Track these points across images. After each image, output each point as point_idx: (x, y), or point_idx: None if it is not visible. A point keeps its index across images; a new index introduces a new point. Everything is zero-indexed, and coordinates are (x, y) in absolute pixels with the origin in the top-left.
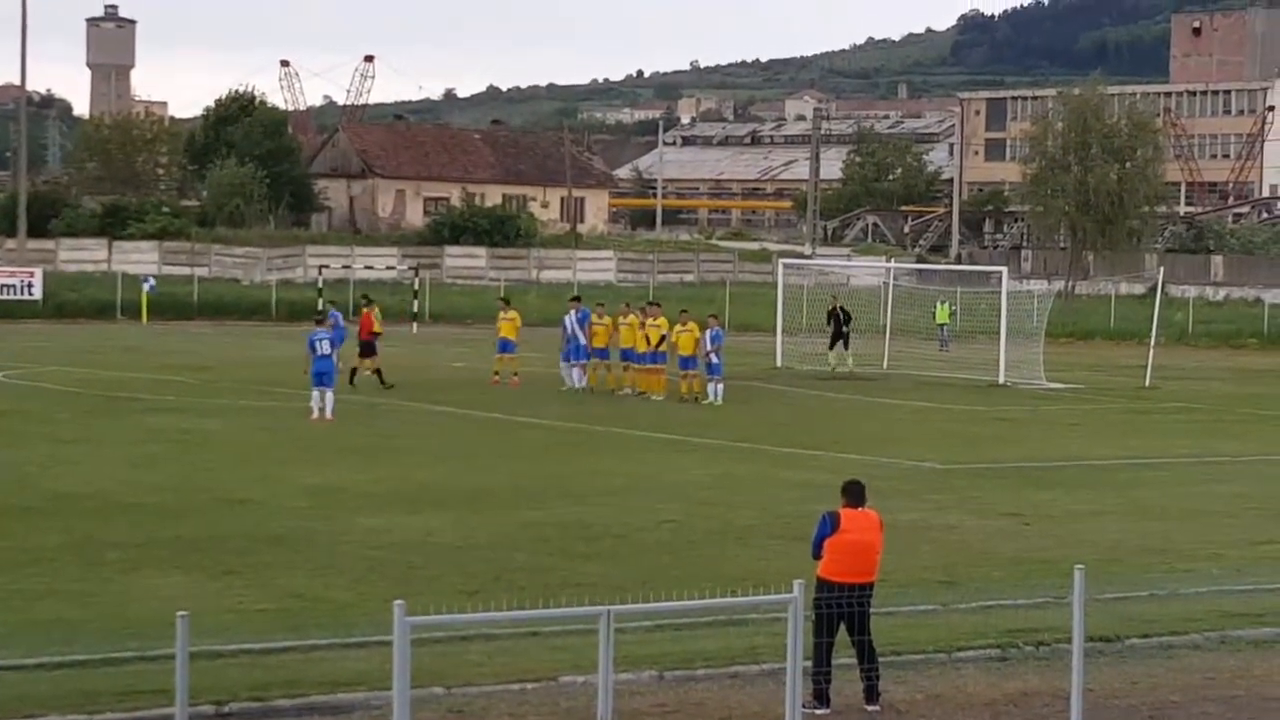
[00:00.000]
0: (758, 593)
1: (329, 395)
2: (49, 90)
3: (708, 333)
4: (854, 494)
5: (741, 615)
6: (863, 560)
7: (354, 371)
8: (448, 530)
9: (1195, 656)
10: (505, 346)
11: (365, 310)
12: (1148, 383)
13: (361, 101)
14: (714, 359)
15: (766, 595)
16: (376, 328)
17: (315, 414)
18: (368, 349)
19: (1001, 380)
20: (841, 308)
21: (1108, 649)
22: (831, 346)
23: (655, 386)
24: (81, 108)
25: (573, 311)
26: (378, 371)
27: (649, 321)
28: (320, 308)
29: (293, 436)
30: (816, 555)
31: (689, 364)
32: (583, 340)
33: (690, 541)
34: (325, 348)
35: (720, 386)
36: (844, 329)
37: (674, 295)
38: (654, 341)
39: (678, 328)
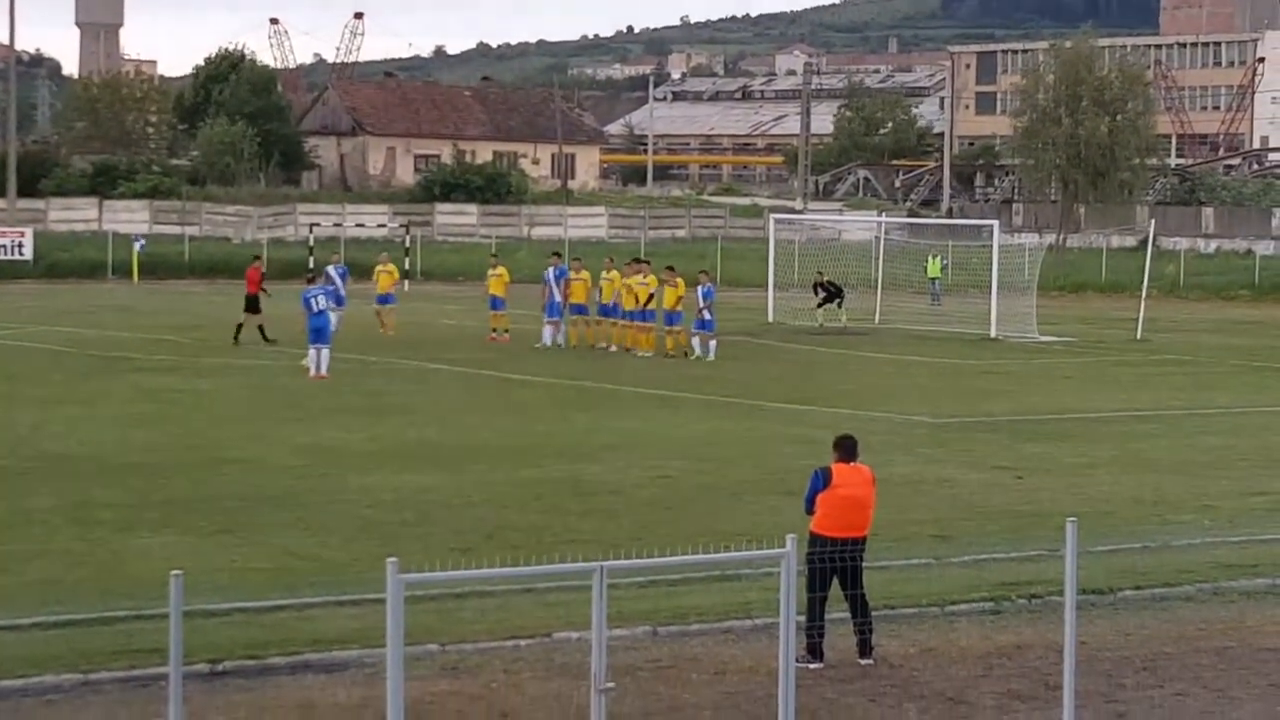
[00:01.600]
0: (751, 548)
1: (325, 352)
2: (38, 49)
3: (699, 289)
4: (846, 449)
5: (735, 570)
6: (855, 515)
7: (239, 328)
8: (441, 488)
9: (1188, 608)
10: (496, 304)
11: (252, 266)
12: (1139, 335)
13: (351, 59)
14: (706, 315)
15: (759, 550)
16: (389, 283)
17: (312, 371)
18: (253, 304)
19: (993, 334)
20: (829, 281)
21: (1100, 601)
22: (819, 308)
23: (643, 343)
24: (70, 67)
25: (551, 267)
26: (260, 328)
27: (637, 278)
28: (311, 266)
29: (285, 395)
30: (809, 510)
31: (673, 319)
32: (557, 297)
33: (684, 497)
34: (320, 304)
35: (713, 343)
36: (838, 298)
37: (666, 251)
38: (642, 299)
39: (665, 280)
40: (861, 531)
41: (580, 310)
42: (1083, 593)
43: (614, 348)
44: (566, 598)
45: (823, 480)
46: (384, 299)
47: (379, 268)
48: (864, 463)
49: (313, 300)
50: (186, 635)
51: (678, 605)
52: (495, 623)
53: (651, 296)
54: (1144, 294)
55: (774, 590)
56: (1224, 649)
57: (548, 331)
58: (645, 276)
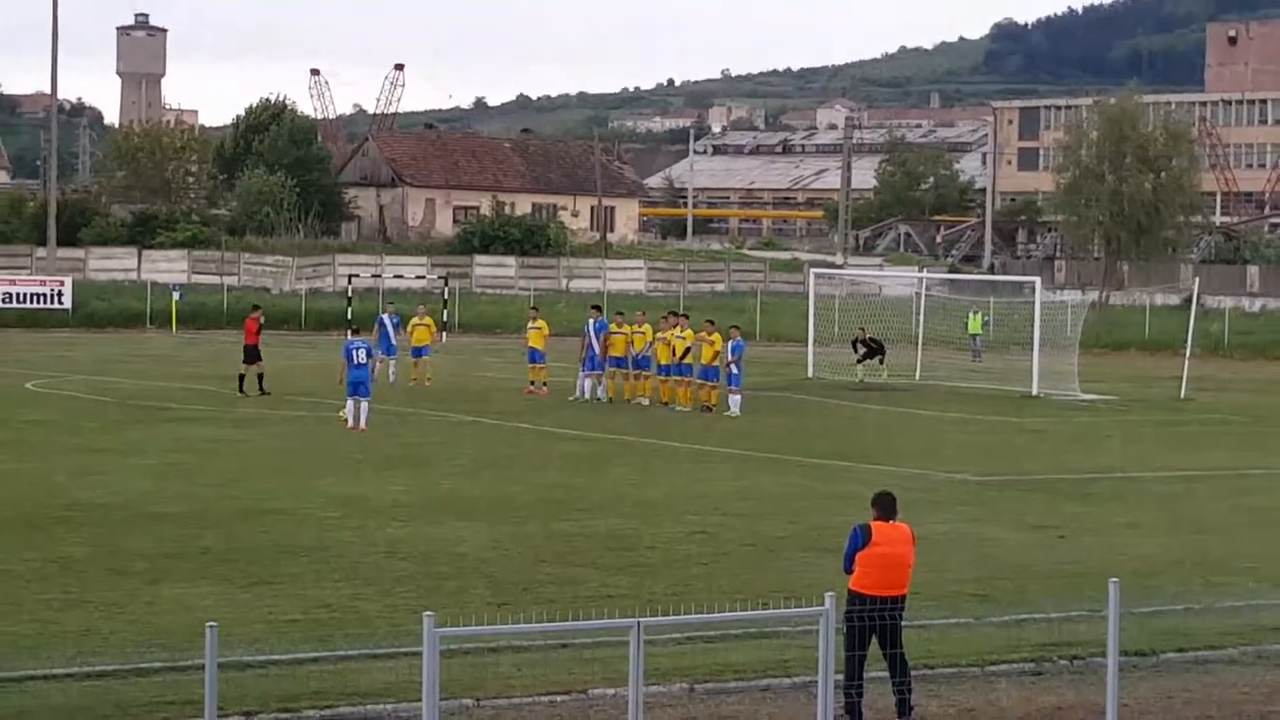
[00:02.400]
0: (789, 605)
1: (364, 405)
2: (79, 99)
3: (729, 344)
4: (885, 506)
5: (773, 628)
6: (894, 573)
7: (242, 379)
8: (477, 541)
9: (1231, 671)
10: (534, 356)
11: (250, 316)
12: (1183, 394)
13: (391, 110)
14: (734, 370)
15: (798, 608)
16: (426, 337)
17: (350, 423)
18: (251, 354)
19: (1035, 391)
20: (871, 338)
21: (1142, 663)
22: (860, 363)
23: (681, 397)
24: (112, 116)
25: (591, 320)
26: (259, 377)
27: (674, 331)
28: (350, 318)
29: (321, 446)
30: (848, 569)
31: (710, 374)
32: (597, 350)
33: (721, 553)
34: (361, 357)
35: (739, 398)
36: (879, 355)
37: (704, 305)
38: (679, 352)
39: (702, 336)
40: (901, 590)
41: (619, 364)
42: (1125, 654)
43: (648, 401)
44: (603, 654)
45: (862, 538)
46: (419, 351)
47: (415, 321)
48: (903, 520)
49: (355, 352)
50: (221, 687)
51: (715, 662)
52: (531, 678)
53: (689, 350)
54: (1188, 352)
55: (812, 648)
56: (1268, 713)
57: (586, 384)
58: (682, 330)
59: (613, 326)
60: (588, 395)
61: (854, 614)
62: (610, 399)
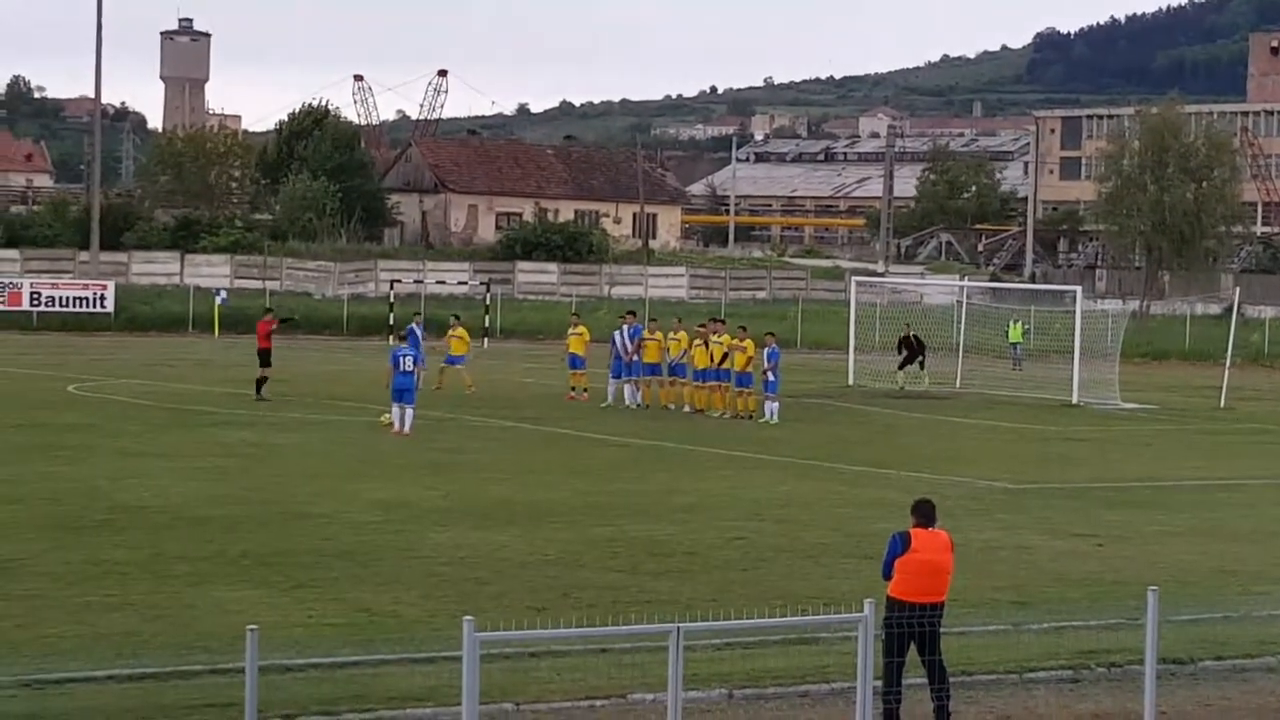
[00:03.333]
0: (828, 611)
1: (409, 411)
2: (123, 103)
3: (765, 350)
4: (924, 514)
5: (811, 634)
6: (933, 580)
7: (259, 383)
8: (517, 546)
9: (1269, 679)
10: (575, 362)
11: (264, 319)
12: (1223, 404)
13: (434, 116)
14: (770, 376)
15: (837, 614)
16: (462, 348)
17: (395, 426)
18: (265, 358)
19: (1075, 400)
20: (915, 336)
21: (1180, 671)
22: (901, 368)
23: (718, 403)
24: (155, 121)
25: (625, 326)
26: (258, 383)
27: (712, 338)
28: (392, 324)
29: (362, 450)
30: (887, 575)
31: (744, 381)
32: (624, 356)
33: (760, 559)
34: (408, 364)
35: (776, 405)
36: (919, 356)
37: (746, 312)
38: (717, 358)
39: (734, 343)
40: (939, 597)
41: (654, 370)
42: (1163, 662)
43: (687, 407)
44: (642, 659)
45: (901, 545)
46: (453, 360)
47: (451, 332)
48: (942, 527)
49: (401, 359)
50: (261, 690)
51: (754, 668)
52: (570, 683)
53: (726, 356)
54: (1228, 362)
55: (851, 655)
56: None
57: (628, 390)
58: (719, 335)
59: (645, 333)
60: (629, 401)
61: (892, 620)
62: (647, 405)
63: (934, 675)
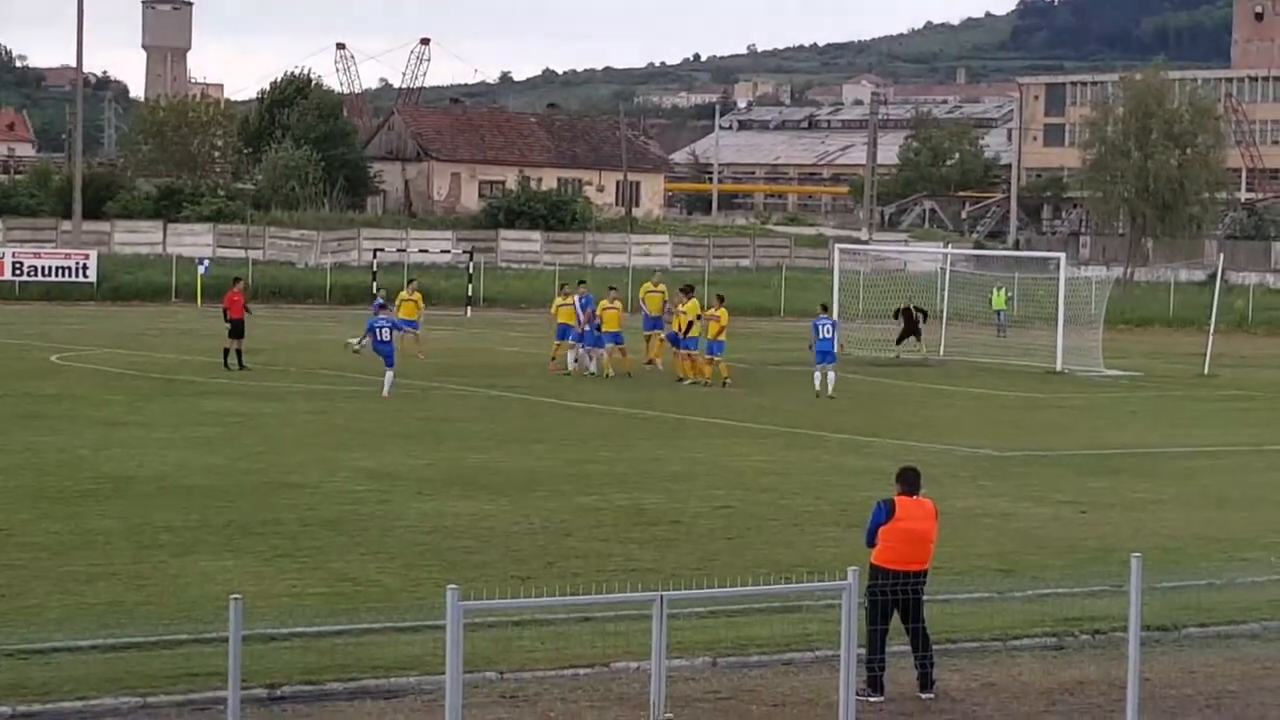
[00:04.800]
0: (812, 579)
1: (388, 375)
2: (105, 72)
3: (824, 320)
4: (909, 481)
5: (796, 602)
6: (917, 548)
7: (226, 353)
8: (501, 515)
9: (1253, 646)
10: (564, 333)
11: (233, 290)
12: (1207, 370)
13: (417, 85)
14: (830, 346)
15: (821, 582)
16: (414, 312)
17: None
18: (236, 329)
19: (1059, 367)
20: (917, 307)
21: (1164, 638)
22: (899, 341)
23: (686, 370)
24: (137, 90)
25: (577, 296)
26: (238, 353)
27: (679, 306)
28: (375, 291)
29: (347, 420)
30: (870, 543)
31: (714, 349)
32: (576, 326)
33: (746, 527)
34: (385, 334)
35: (832, 375)
36: (918, 327)
37: (730, 280)
38: (683, 327)
39: (710, 312)
40: (922, 565)
41: (616, 339)
42: (1146, 629)
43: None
44: (626, 627)
45: (885, 513)
46: (404, 324)
47: (403, 295)
48: (926, 495)
49: (378, 330)
50: (245, 660)
51: (738, 636)
52: (554, 651)
53: (691, 324)
54: (1212, 329)
55: (835, 622)
56: None
57: (571, 356)
58: (683, 305)
59: (605, 301)
60: (581, 366)
61: (875, 588)
62: (608, 374)
63: (917, 642)
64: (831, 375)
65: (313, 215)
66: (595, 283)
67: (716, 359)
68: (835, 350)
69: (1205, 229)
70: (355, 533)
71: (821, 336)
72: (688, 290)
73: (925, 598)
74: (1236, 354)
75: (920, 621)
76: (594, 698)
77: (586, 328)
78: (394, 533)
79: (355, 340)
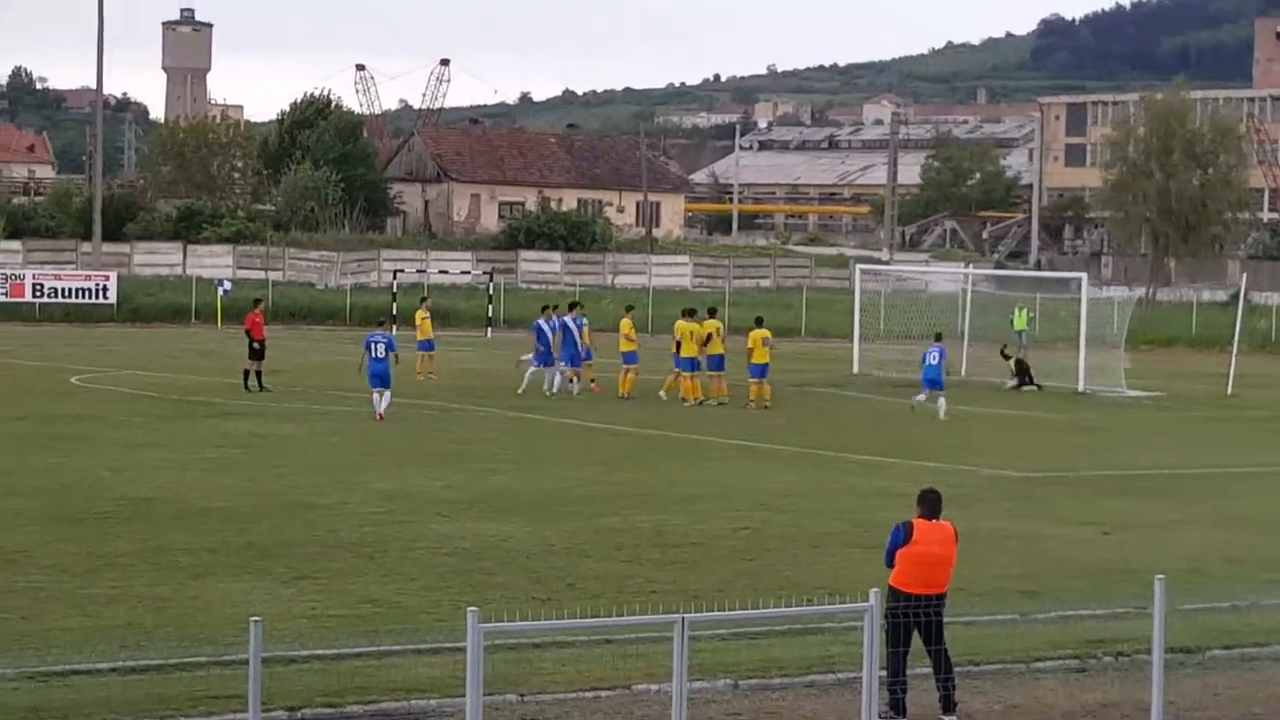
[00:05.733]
0: (834, 601)
1: (386, 395)
2: (125, 93)
3: (933, 350)
4: (929, 504)
5: (817, 624)
6: (934, 572)
7: (246, 375)
8: (521, 536)
9: (1278, 668)
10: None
11: (253, 311)
12: (1230, 391)
13: (437, 105)
14: (937, 374)
15: (842, 604)
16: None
17: (379, 413)
18: (256, 350)
19: (1081, 388)
20: (1021, 359)
21: (1189, 660)
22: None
23: (686, 390)
24: (157, 111)
25: (569, 316)
26: (258, 374)
27: (679, 323)
28: (395, 313)
29: (366, 441)
30: (889, 564)
31: (715, 365)
32: (579, 344)
33: (766, 549)
34: (380, 351)
35: (942, 400)
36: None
37: (750, 301)
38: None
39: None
40: (940, 588)
41: (630, 359)
42: (1171, 651)
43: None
44: (647, 649)
45: (903, 535)
46: (425, 345)
47: (419, 314)
48: (949, 517)
49: (374, 345)
50: (265, 682)
51: (759, 658)
52: (575, 673)
53: (678, 345)
54: (1235, 349)
55: (857, 644)
56: None
57: (558, 379)
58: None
59: (586, 321)
60: (561, 388)
61: (894, 611)
62: (584, 393)
63: (939, 665)
64: (942, 401)
65: (332, 236)
66: (619, 304)
67: (721, 375)
68: (942, 378)
69: (1227, 249)
70: (375, 554)
71: (928, 364)
72: (689, 312)
73: (948, 619)
74: (1260, 375)
75: (941, 644)
76: None
77: (577, 349)
78: (414, 554)
79: (526, 357)
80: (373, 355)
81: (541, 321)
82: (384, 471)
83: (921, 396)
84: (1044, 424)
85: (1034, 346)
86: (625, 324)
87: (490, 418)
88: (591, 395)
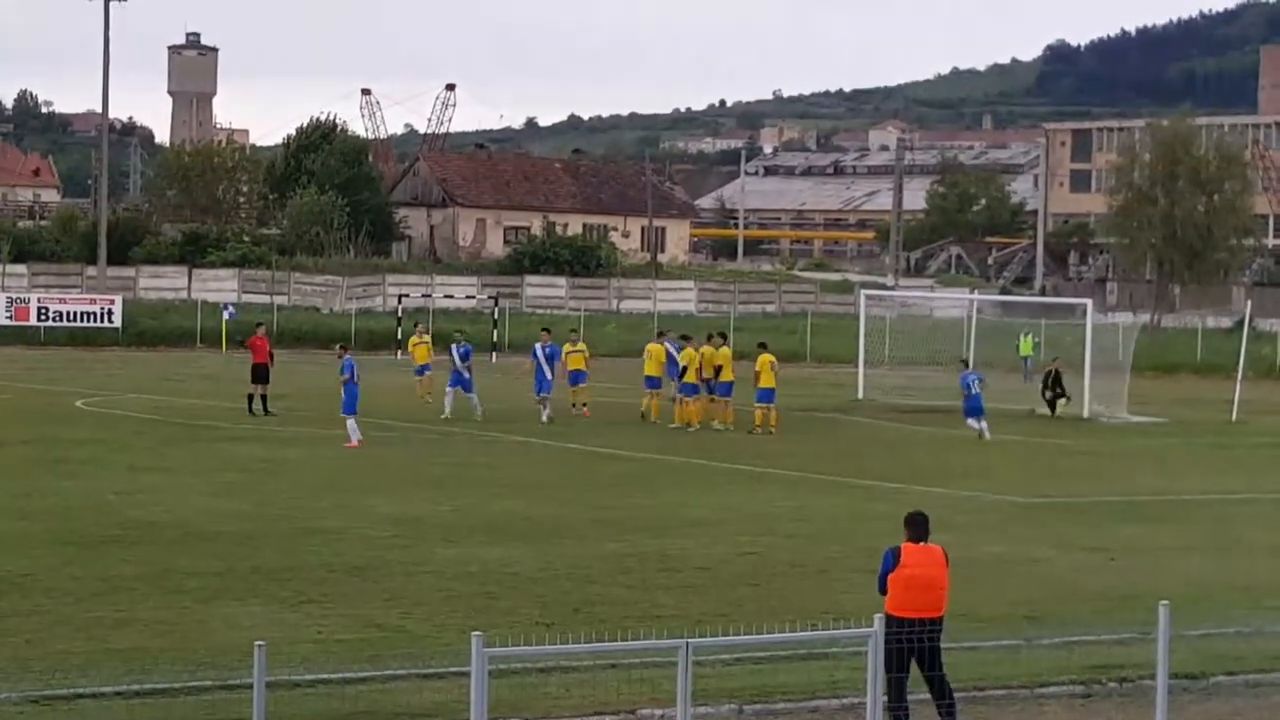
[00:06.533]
0: (838, 626)
1: (350, 422)
2: (130, 118)
3: (965, 376)
4: (916, 527)
5: (822, 649)
6: (925, 595)
7: (251, 399)
8: (526, 561)
9: None
10: (577, 378)
11: (257, 335)
12: (1235, 417)
13: (442, 130)
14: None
15: (846, 629)
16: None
17: (353, 441)
18: (260, 374)
19: (1086, 414)
20: (1058, 370)
21: (1193, 686)
22: (1051, 405)
23: (692, 415)
24: (163, 135)
25: (539, 344)
26: (264, 398)
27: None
28: (400, 338)
29: (372, 465)
30: (882, 591)
31: (723, 391)
32: (547, 373)
33: (770, 574)
34: (355, 375)
35: (984, 423)
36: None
37: (755, 326)
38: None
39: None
40: (935, 612)
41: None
42: (1175, 677)
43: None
44: (652, 674)
45: (892, 560)
46: (421, 369)
47: (414, 339)
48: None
49: (354, 369)
50: (270, 706)
51: (764, 683)
52: (580, 698)
53: (684, 370)
54: (1240, 375)
55: (861, 669)
56: None
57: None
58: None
59: (568, 346)
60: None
61: (890, 636)
62: (552, 420)
63: (939, 691)
64: (984, 422)
65: (337, 261)
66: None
67: (725, 400)
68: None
69: (1232, 275)
70: (380, 579)
71: (973, 392)
72: (685, 339)
73: (952, 645)
74: (1265, 401)
75: (937, 670)
76: None
77: (550, 376)
78: (419, 579)
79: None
80: (353, 379)
81: (539, 347)
82: (389, 496)
83: (983, 424)
84: (1048, 449)
85: (1039, 372)
86: (764, 360)
87: (495, 442)
88: (585, 419)
